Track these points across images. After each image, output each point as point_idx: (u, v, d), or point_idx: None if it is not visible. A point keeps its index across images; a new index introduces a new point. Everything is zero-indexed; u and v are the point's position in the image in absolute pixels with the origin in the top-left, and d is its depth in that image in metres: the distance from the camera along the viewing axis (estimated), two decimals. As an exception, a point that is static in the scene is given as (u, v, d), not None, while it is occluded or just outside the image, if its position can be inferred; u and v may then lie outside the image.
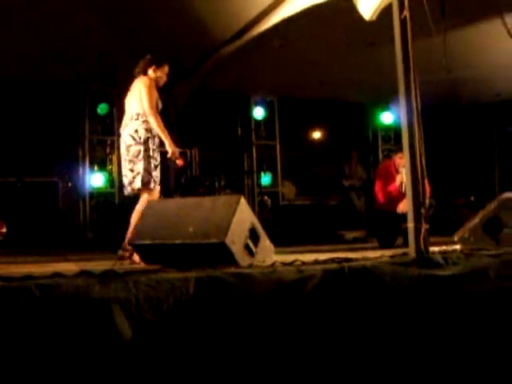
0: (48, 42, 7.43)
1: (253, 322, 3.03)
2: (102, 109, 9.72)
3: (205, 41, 7.51)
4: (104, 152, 9.86)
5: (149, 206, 4.83)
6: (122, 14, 7.00)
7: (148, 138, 5.33)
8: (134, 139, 5.34)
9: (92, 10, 6.80)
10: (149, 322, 2.81)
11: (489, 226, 4.54)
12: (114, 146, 9.81)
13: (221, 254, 3.84)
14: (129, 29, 7.32)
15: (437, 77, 6.49)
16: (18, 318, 2.59)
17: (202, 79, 8.74)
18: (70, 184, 9.55)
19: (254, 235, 4.14)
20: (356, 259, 3.72)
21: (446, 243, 4.63)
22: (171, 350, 2.80)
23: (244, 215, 4.10)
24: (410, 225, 3.91)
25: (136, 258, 4.74)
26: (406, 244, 4.68)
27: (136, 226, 4.57)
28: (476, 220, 4.65)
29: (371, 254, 4.19)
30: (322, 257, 3.91)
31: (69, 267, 4.42)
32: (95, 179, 9.72)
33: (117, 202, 9.75)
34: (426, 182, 4.07)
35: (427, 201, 4.04)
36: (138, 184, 5.33)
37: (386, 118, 11.76)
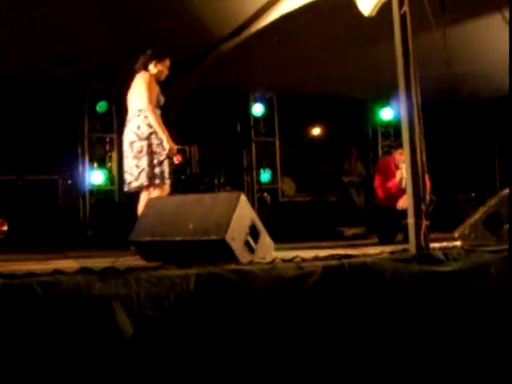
0: (47, 40, 7.42)
1: (253, 319, 3.03)
2: (101, 107, 9.71)
3: (204, 38, 7.50)
4: (103, 149, 9.86)
5: (149, 203, 4.83)
6: (121, 13, 6.99)
7: (151, 133, 5.31)
8: (137, 135, 5.34)
9: (91, 8, 6.79)
10: (150, 318, 2.81)
11: (490, 222, 4.53)
12: (114, 144, 9.82)
13: (221, 250, 3.84)
14: (128, 27, 7.31)
15: (437, 72, 6.48)
16: (20, 315, 2.60)
17: (202, 76, 8.73)
18: (69, 182, 9.55)
19: (254, 232, 4.13)
20: (356, 256, 3.72)
21: (446, 239, 4.62)
22: (172, 347, 2.81)
23: (244, 212, 4.09)
24: (411, 221, 3.91)
25: None
26: (406, 240, 4.68)
27: (136, 223, 4.56)
28: (477, 216, 4.64)
29: (371, 251, 4.19)
30: (322, 253, 3.91)
31: (69, 264, 4.41)
32: (95, 177, 9.72)
33: (117, 200, 9.75)
34: (427, 177, 4.07)
35: (427, 197, 4.04)
36: (143, 180, 5.33)
37: (386, 114, 11.74)
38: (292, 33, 7.43)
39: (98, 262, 4.17)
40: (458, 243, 4.42)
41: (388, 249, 4.22)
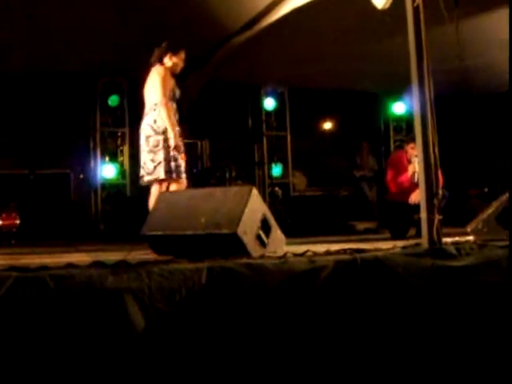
0: (60, 34, 7.43)
1: (264, 313, 3.03)
2: (113, 100, 9.74)
3: (216, 31, 7.48)
4: (115, 144, 9.88)
5: (160, 197, 4.84)
6: (134, 6, 6.99)
7: (167, 127, 5.31)
8: (153, 129, 5.34)
9: (104, 1, 6.80)
10: (161, 311, 2.82)
11: (502, 217, 4.51)
12: (125, 138, 9.85)
13: (233, 244, 3.84)
14: (140, 20, 7.30)
15: (449, 66, 6.45)
16: (33, 308, 2.61)
17: (214, 70, 8.72)
18: (81, 176, 9.59)
19: (265, 226, 4.13)
20: (368, 250, 3.70)
21: (458, 234, 4.60)
22: (184, 340, 2.81)
23: (256, 206, 4.09)
24: (423, 215, 3.90)
25: None
26: (418, 235, 4.66)
27: (147, 217, 4.57)
28: (489, 211, 4.61)
29: (383, 245, 4.18)
30: (334, 247, 3.90)
31: (81, 258, 4.43)
32: (107, 171, 9.75)
33: (128, 194, 9.79)
34: (439, 172, 4.04)
35: (440, 191, 4.01)
36: (160, 174, 5.33)
37: (398, 108, 11.69)
38: (304, 27, 7.40)
39: (110, 256, 4.19)
40: (471, 238, 4.40)
41: (400, 243, 4.20)
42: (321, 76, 9.65)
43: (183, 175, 5.42)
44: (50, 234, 8.29)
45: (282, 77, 10.02)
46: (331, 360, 3.06)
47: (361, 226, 9.66)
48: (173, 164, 5.31)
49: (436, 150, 3.95)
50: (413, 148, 6.36)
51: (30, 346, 2.56)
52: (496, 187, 10.23)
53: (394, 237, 6.64)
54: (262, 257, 3.67)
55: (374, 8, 5.02)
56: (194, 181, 8.62)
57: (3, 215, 7.77)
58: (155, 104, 5.36)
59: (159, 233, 4.29)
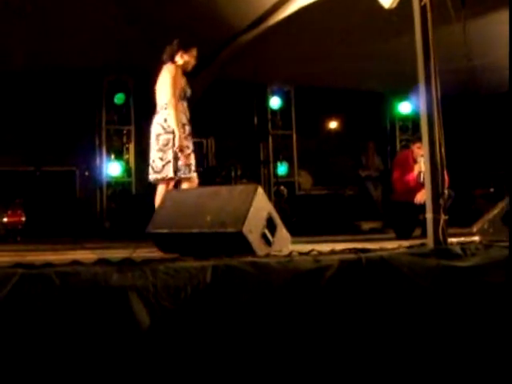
0: (65, 32, 7.45)
1: (269, 311, 3.03)
2: (119, 98, 9.76)
3: (223, 30, 7.48)
4: (121, 141, 9.90)
5: (166, 195, 4.84)
6: (140, 4, 7.00)
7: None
8: (164, 128, 5.34)
9: (109, -1, 6.82)
10: (166, 309, 2.82)
11: (508, 218, 4.49)
12: (131, 136, 9.87)
13: (238, 243, 3.84)
14: (146, 18, 7.31)
15: (456, 66, 6.42)
16: (38, 305, 2.61)
17: (220, 69, 8.72)
18: (87, 173, 9.60)
19: (270, 224, 4.13)
20: (373, 250, 3.69)
21: (464, 234, 4.59)
22: (189, 338, 2.81)
23: (261, 204, 4.09)
24: (429, 215, 3.89)
25: None
26: (424, 235, 4.65)
27: (153, 215, 4.57)
28: (495, 211, 4.60)
29: (388, 245, 4.17)
30: (339, 247, 3.90)
31: (87, 255, 4.44)
32: (112, 168, 9.77)
33: (134, 192, 9.81)
34: (445, 172, 4.03)
35: (446, 191, 4.00)
36: (168, 173, 5.32)
37: (404, 107, 11.68)
38: (310, 25, 7.39)
39: (116, 254, 4.19)
40: (477, 238, 4.39)
41: (405, 243, 4.19)
42: (327, 75, 9.65)
43: (194, 173, 5.41)
44: (56, 231, 8.30)
45: (288, 75, 10.02)
46: (336, 358, 3.06)
47: (366, 225, 9.65)
48: (181, 162, 5.30)
49: (442, 149, 3.95)
50: (419, 148, 6.34)
51: (35, 342, 2.56)
52: (502, 187, 10.21)
53: (399, 237, 6.63)
54: (268, 255, 3.66)
55: (380, 7, 5.02)
56: (199, 179, 8.62)
57: (9, 212, 7.80)
58: (165, 103, 5.35)
59: (165, 231, 4.29)
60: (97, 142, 9.85)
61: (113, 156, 9.81)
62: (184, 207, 4.38)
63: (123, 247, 5.14)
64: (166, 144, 5.31)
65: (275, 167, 10.81)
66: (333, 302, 3.17)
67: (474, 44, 6.20)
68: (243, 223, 3.84)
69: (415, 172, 6.68)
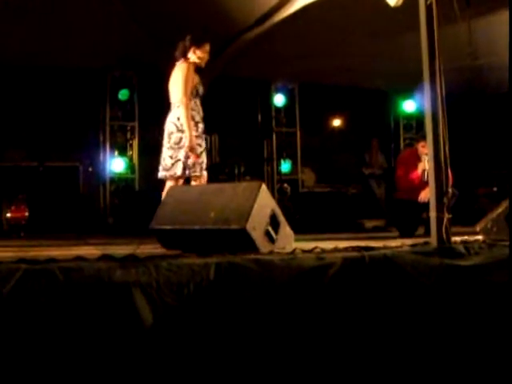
0: (70, 28, 7.46)
1: (272, 308, 3.03)
2: (123, 94, 9.76)
3: (227, 27, 7.49)
4: (125, 138, 9.91)
5: (169, 191, 4.84)
6: (144, 1, 7.00)
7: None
8: (176, 126, 5.30)
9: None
10: (169, 306, 2.82)
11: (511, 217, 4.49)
12: (135, 132, 9.88)
13: (241, 240, 3.84)
14: (150, 15, 7.31)
15: (461, 65, 6.42)
16: (42, 300, 2.62)
17: (224, 65, 8.72)
18: (90, 169, 9.60)
19: (274, 222, 4.12)
20: (376, 248, 3.69)
21: (467, 233, 4.58)
22: (191, 334, 2.82)
23: (265, 202, 4.08)
24: (433, 214, 3.88)
25: None
26: (427, 233, 4.65)
27: (157, 211, 4.57)
28: (499, 210, 4.59)
29: (392, 243, 4.17)
30: (342, 245, 3.89)
31: (90, 251, 4.45)
32: (116, 164, 9.78)
33: (137, 188, 9.82)
34: (449, 170, 4.03)
35: (450, 190, 4.00)
36: (177, 171, 5.30)
37: (409, 106, 11.67)
38: (315, 23, 7.39)
39: (119, 250, 4.20)
40: (480, 237, 4.38)
41: (409, 242, 4.19)
42: (331, 72, 9.64)
43: (204, 172, 5.38)
44: (59, 227, 8.32)
45: (292, 73, 10.01)
46: (338, 355, 3.06)
47: (369, 223, 9.66)
48: (190, 161, 5.28)
49: (446, 148, 3.94)
50: (423, 146, 6.33)
51: (38, 337, 2.57)
52: (505, 186, 10.19)
53: (403, 235, 6.62)
54: (271, 253, 3.65)
55: (386, 5, 5.01)
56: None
57: (12, 207, 7.82)
58: (178, 102, 5.31)
59: (168, 227, 4.29)
60: (101, 138, 9.86)
61: (116, 152, 9.82)
62: (187, 204, 4.38)
63: (126, 243, 5.13)
64: (178, 142, 5.28)
65: (279, 164, 10.81)
66: (336, 300, 3.17)
67: (479, 43, 6.20)
68: (247, 220, 3.84)
69: (419, 170, 6.67)
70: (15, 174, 8.82)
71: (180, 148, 5.28)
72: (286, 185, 10.73)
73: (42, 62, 8.68)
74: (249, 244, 3.82)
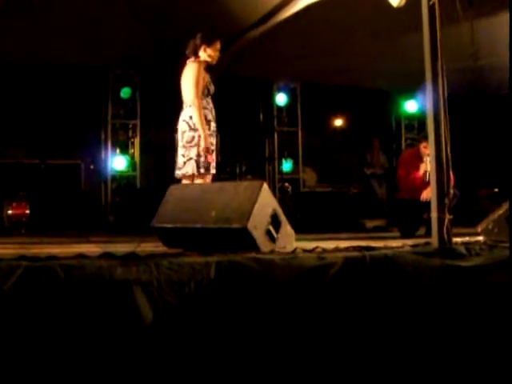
0: (72, 26, 7.46)
1: (273, 308, 3.03)
2: (125, 93, 9.77)
3: (230, 26, 7.48)
4: (126, 136, 9.92)
5: (171, 190, 4.84)
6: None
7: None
8: (189, 125, 5.29)
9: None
10: (170, 304, 2.82)
11: (512, 218, 4.49)
12: (137, 130, 9.89)
13: (242, 239, 3.84)
14: (153, 13, 7.31)
15: (463, 65, 6.42)
16: (43, 297, 2.62)
17: (227, 64, 8.72)
18: (92, 167, 9.61)
19: (275, 221, 4.12)
20: (377, 248, 3.69)
21: (469, 234, 4.58)
22: (192, 333, 2.82)
23: (266, 201, 4.09)
24: (434, 215, 3.88)
25: None
26: (428, 234, 4.65)
27: (158, 209, 4.57)
28: (500, 211, 4.59)
29: (393, 243, 4.17)
30: (343, 244, 3.90)
31: (91, 249, 4.45)
32: (117, 162, 9.78)
33: (138, 186, 9.82)
34: (450, 171, 4.03)
35: (451, 191, 4.00)
36: (189, 170, 5.28)
37: (410, 106, 11.67)
38: (317, 23, 7.39)
39: (120, 248, 4.20)
40: (481, 238, 4.38)
41: (410, 242, 4.19)
42: (333, 72, 9.63)
43: (212, 171, 5.36)
44: (60, 225, 8.33)
45: (294, 72, 10.01)
46: (338, 355, 3.06)
47: (370, 223, 9.67)
48: (202, 159, 5.27)
49: (448, 149, 3.94)
50: (425, 147, 6.33)
51: (39, 335, 2.57)
52: (506, 188, 10.19)
53: (404, 235, 6.63)
54: (272, 252, 3.65)
55: (388, 5, 5.01)
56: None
57: (13, 204, 7.82)
58: (190, 101, 5.29)
59: (169, 225, 4.30)
60: (102, 136, 9.87)
61: (118, 150, 9.83)
62: (189, 202, 4.39)
63: (128, 241, 5.15)
64: (190, 141, 5.26)
65: (280, 164, 10.82)
66: (336, 300, 3.17)
67: (481, 44, 6.20)
68: (248, 219, 3.84)
69: (421, 171, 6.67)
70: (17, 171, 8.83)
71: (192, 147, 5.26)
72: (287, 184, 10.73)
73: (43, 60, 8.68)
74: (250, 243, 3.82)
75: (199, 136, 5.24)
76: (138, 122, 9.88)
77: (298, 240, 4.42)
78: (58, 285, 2.68)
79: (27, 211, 7.85)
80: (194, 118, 5.27)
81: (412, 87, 10.22)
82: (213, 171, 5.40)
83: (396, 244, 4.06)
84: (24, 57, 8.34)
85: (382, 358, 3.12)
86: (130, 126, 9.88)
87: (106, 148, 9.82)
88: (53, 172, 9.10)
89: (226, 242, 3.80)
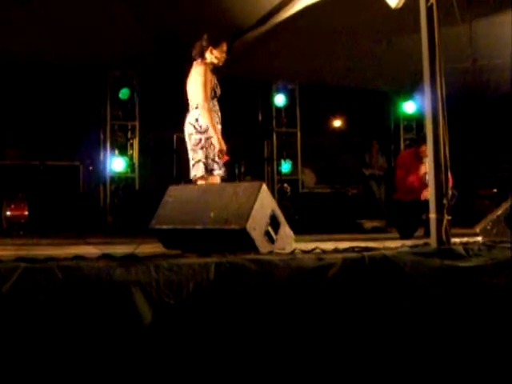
0: (71, 26, 7.46)
1: (272, 309, 3.03)
2: (124, 94, 9.76)
3: (229, 27, 7.47)
4: (125, 137, 9.91)
5: (170, 191, 4.84)
6: (147, 1, 7.00)
7: (209, 127, 5.20)
8: (195, 128, 5.25)
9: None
10: (169, 305, 2.82)
11: (511, 219, 4.49)
12: (135, 131, 9.89)
13: (241, 240, 3.84)
14: (152, 14, 7.31)
15: (462, 66, 6.43)
16: (42, 299, 2.62)
17: (228, 65, 8.72)
18: (91, 168, 9.61)
19: (274, 222, 4.12)
20: (376, 248, 3.70)
21: (467, 234, 4.59)
22: (191, 334, 2.82)
23: (265, 202, 4.09)
24: (432, 215, 3.89)
25: None
26: (427, 234, 4.65)
27: (157, 210, 4.57)
28: (498, 212, 4.60)
29: (391, 244, 4.17)
30: (342, 245, 3.90)
31: (89, 250, 4.45)
32: (116, 164, 9.78)
33: (137, 187, 9.81)
34: (449, 172, 4.03)
35: (449, 191, 4.00)
36: (198, 172, 5.24)
37: (409, 107, 11.68)
38: (316, 24, 7.39)
39: (119, 249, 4.20)
40: (480, 238, 4.39)
41: (408, 242, 4.20)
42: (332, 73, 9.64)
43: (217, 171, 5.33)
44: (59, 226, 8.32)
45: (293, 73, 10.01)
46: (337, 356, 3.06)
47: (369, 224, 9.67)
48: (210, 161, 5.23)
49: (446, 149, 3.94)
50: (425, 149, 6.33)
51: (37, 336, 2.57)
52: (505, 188, 10.20)
53: (402, 236, 6.63)
54: (271, 253, 3.66)
55: (387, 7, 5.01)
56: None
57: (12, 206, 7.82)
58: (197, 103, 5.24)
59: (168, 226, 4.29)
60: (101, 137, 9.87)
61: (117, 151, 9.82)
62: (188, 203, 4.38)
63: (126, 243, 5.15)
64: (197, 144, 5.22)
65: (279, 165, 10.82)
66: (335, 301, 3.17)
67: (480, 45, 6.20)
68: (247, 220, 3.84)
69: (421, 172, 6.66)
70: (15, 172, 8.84)
71: (198, 149, 5.24)
72: (286, 185, 10.74)
73: (42, 61, 8.68)
74: (249, 244, 3.82)
75: (206, 138, 5.21)
76: (136, 123, 9.88)
77: (296, 241, 4.43)
78: (57, 286, 2.67)
79: (26, 212, 7.85)
80: (200, 120, 5.23)
81: (410, 88, 10.23)
82: (220, 172, 5.33)
83: (395, 245, 4.06)
84: (23, 57, 8.34)
85: (381, 359, 3.12)
86: (129, 127, 9.88)
87: (105, 149, 9.82)
88: (51, 173, 9.10)
89: (224, 243, 3.80)
